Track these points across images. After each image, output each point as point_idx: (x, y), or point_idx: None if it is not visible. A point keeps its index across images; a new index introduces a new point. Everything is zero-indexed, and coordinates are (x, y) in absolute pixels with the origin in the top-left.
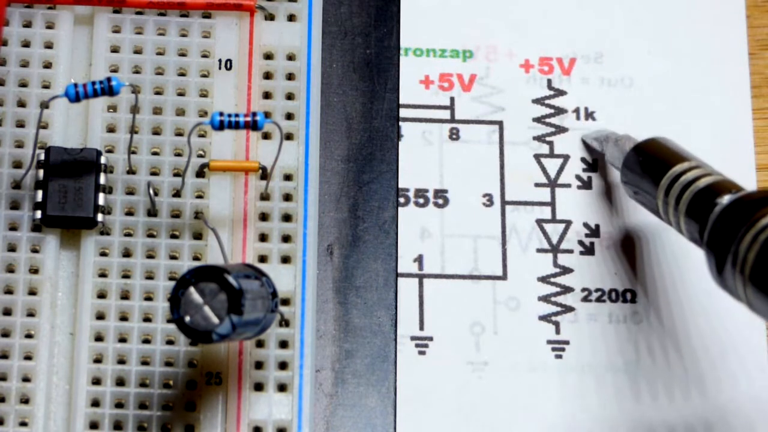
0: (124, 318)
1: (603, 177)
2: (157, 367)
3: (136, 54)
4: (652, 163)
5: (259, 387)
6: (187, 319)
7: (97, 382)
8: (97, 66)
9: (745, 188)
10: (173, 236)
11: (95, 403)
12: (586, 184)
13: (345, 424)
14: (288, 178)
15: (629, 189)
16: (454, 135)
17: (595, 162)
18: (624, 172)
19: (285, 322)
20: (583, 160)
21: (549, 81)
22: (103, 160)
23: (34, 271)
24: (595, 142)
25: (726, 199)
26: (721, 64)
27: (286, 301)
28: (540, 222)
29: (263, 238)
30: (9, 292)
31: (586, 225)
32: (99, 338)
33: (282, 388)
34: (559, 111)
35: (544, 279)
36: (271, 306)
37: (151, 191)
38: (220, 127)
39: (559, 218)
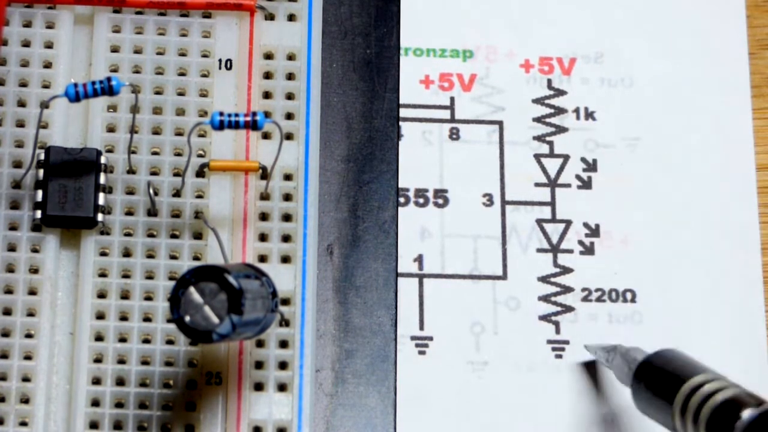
0: (124, 318)
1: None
2: (157, 367)
3: (136, 54)
4: (666, 374)
5: (259, 387)
6: (187, 319)
7: (97, 382)
8: (97, 66)
9: (765, 400)
10: (173, 236)
11: (95, 403)
12: (586, 184)
13: (345, 424)
14: (288, 178)
15: (641, 404)
16: (454, 135)
17: (594, 162)
18: (635, 388)
19: (285, 322)
20: (583, 159)
21: (549, 81)
22: (103, 159)
23: (34, 271)
24: (601, 353)
25: (750, 413)
26: (721, 64)
27: (286, 301)
28: (540, 222)
29: (263, 238)
30: (9, 292)
31: (586, 225)
32: (99, 338)
33: (282, 388)
34: (560, 111)
35: (544, 279)
36: (271, 306)
37: (151, 191)
38: (220, 126)
39: (559, 218)
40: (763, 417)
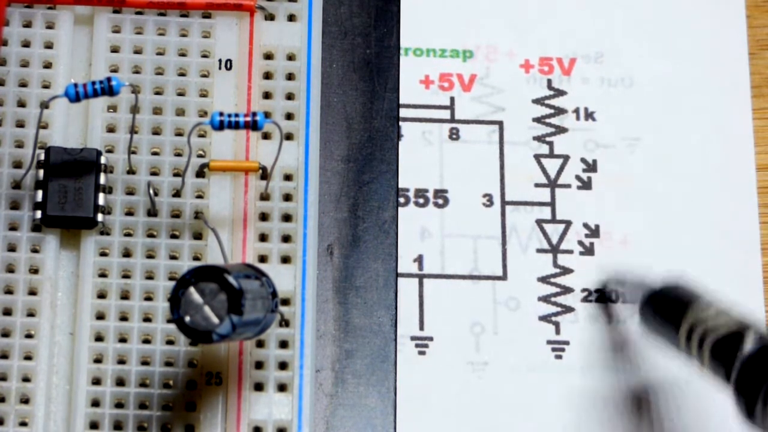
0: (124, 318)
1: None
2: (157, 367)
3: (136, 54)
4: (673, 303)
5: (259, 387)
6: (187, 319)
7: (97, 382)
8: (97, 66)
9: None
10: (173, 236)
11: (95, 403)
12: (586, 184)
13: (345, 424)
14: (288, 178)
15: (648, 329)
16: (454, 135)
17: (594, 162)
18: (643, 313)
19: (285, 322)
20: (583, 160)
21: (549, 81)
22: (103, 160)
23: (34, 271)
24: (613, 281)
25: (752, 341)
26: (721, 64)
27: (286, 301)
28: (540, 222)
29: (263, 238)
30: (9, 292)
31: (586, 225)
32: (99, 338)
33: (282, 388)
34: (559, 111)
35: (544, 279)
36: (271, 306)
37: (151, 191)
38: (220, 127)
39: (559, 218)
40: (765, 350)
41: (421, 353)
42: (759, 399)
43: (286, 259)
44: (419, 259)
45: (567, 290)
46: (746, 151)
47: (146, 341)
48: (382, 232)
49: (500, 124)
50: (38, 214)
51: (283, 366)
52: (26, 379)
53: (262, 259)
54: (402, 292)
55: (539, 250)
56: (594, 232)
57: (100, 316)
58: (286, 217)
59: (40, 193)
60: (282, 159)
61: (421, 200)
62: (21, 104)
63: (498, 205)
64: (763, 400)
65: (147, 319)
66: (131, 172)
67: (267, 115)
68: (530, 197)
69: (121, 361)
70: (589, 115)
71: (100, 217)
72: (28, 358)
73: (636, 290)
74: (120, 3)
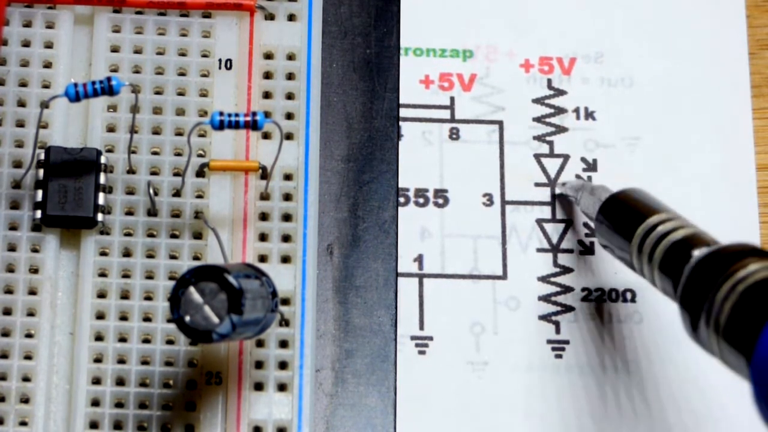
0: (124, 318)
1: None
2: (157, 367)
3: (136, 54)
4: (626, 214)
5: (259, 387)
6: (187, 318)
7: (97, 381)
8: (97, 66)
9: (719, 242)
10: (173, 236)
11: (95, 403)
12: None
13: (345, 424)
14: (288, 178)
15: (603, 240)
16: (454, 135)
17: (594, 162)
18: (598, 224)
19: (285, 322)
20: (583, 159)
21: (549, 81)
22: (103, 159)
23: (34, 271)
24: (570, 191)
25: (700, 252)
26: (721, 64)
27: (286, 301)
28: (540, 222)
29: (263, 237)
30: (9, 292)
31: (586, 225)
32: (99, 338)
33: (282, 387)
34: (559, 111)
35: (544, 279)
36: (271, 306)
37: (151, 191)
38: (220, 126)
39: (559, 218)
40: (712, 256)
41: (421, 353)
42: (703, 311)
43: (286, 259)
44: (419, 259)
45: (567, 290)
46: (746, 151)
47: (146, 341)
48: (382, 232)
49: (500, 123)
50: (38, 213)
51: (283, 366)
52: (26, 379)
53: (262, 258)
54: (402, 291)
55: (539, 250)
56: (594, 232)
57: (100, 316)
58: (286, 217)
59: (40, 192)
60: (282, 159)
61: (421, 200)
62: (21, 104)
63: (498, 204)
64: (707, 313)
65: (147, 319)
66: (131, 171)
67: (267, 114)
68: (530, 197)
69: (121, 361)
70: (589, 115)
71: (100, 216)
72: (28, 357)
73: (591, 199)
74: (120, 3)
